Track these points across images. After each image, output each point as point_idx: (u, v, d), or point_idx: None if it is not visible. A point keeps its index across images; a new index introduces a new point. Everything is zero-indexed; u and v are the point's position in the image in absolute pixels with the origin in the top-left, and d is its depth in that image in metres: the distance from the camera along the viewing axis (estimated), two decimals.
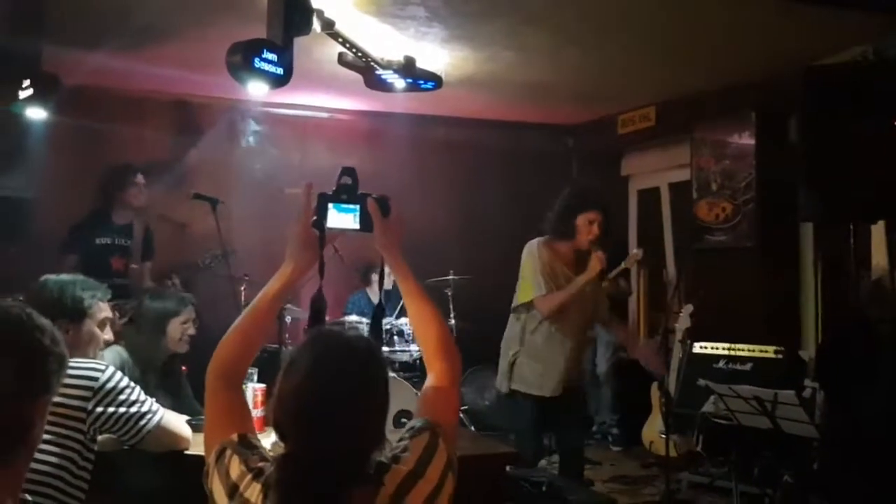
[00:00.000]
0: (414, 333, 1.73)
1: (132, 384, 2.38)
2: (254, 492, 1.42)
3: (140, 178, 4.78)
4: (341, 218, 1.71)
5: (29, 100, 3.50)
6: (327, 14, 3.93)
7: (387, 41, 4.60)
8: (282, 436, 1.44)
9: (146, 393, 2.73)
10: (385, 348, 5.43)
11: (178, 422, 2.51)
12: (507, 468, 2.67)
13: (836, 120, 3.79)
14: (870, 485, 3.41)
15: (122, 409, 2.31)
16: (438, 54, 4.88)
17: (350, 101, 6.17)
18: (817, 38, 4.44)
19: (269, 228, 6.23)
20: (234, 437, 1.51)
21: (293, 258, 1.70)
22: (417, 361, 5.64)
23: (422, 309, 1.73)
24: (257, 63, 2.92)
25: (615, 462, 5.43)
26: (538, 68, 5.21)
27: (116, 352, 3.06)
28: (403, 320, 5.54)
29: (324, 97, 6.12)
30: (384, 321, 5.53)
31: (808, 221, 4.83)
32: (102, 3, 3.84)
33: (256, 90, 3.17)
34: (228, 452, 1.48)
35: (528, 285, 3.74)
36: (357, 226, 1.70)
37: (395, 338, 5.43)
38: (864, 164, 3.72)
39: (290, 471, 1.40)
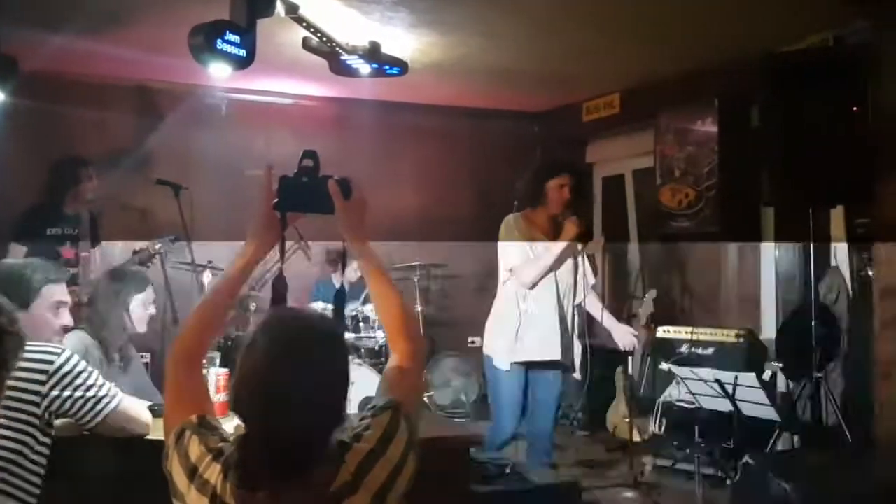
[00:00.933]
0: (377, 314, 1.72)
1: (89, 368, 2.34)
2: (213, 472, 1.41)
3: (91, 171, 4.73)
4: (303, 200, 1.71)
5: None
6: None
7: (352, 26, 4.56)
8: (242, 417, 1.43)
9: (110, 376, 2.70)
10: (350, 335, 5.42)
11: (136, 406, 2.47)
12: (471, 450, 2.67)
13: (796, 106, 3.86)
14: (829, 463, 3.49)
15: (78, 393, 2.27)
16: (405, 40, 4.85)
17: (316, 86, 6.12)
18: (780, 25, 4.48)
19: (233, 215, 6.17)
20: (194, 418, 1.50)
21: (254, 240, 1.70)
22: (383, 348, 5.64)
23: (383, 289, 1.73)
24: (220, 45, 2.88)
25: (580, 447, 5.48)
26: (505, 54, 5.21)
27: (78, 337, 3.02)
28: (369, 307, 5.52)
29: (289, 82, 6.06)
30: (350, 308, 5.52)
31: (770, 206, 4.89)
32: None
33: (219, 72, 3.13)
34: (188, 434, 1.48)
35: (509, 255, 3.80)
36: (318, 207, 1.70)
37: (361, 324, 5.42)
38: (824, 149, 3.80)
39: (250, 450, 1.40)
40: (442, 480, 2.37)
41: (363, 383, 5.18)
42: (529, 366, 3.82)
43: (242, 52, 2.98)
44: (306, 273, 6.08)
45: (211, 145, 6.17)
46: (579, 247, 3.82)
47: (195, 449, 1.45)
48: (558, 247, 3.71)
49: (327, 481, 1.39)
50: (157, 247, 4.63)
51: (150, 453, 2.37)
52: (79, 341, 2.97)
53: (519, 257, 3.77)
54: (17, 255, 4.35)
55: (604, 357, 5.64)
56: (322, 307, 5.48)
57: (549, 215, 3.82)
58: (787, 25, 4.49)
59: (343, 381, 1.47)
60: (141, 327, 3.09)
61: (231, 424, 1.75)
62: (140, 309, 3.06)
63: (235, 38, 2.93)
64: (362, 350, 5.57)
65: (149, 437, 2.48)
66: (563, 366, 3.89)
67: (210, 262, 5.44)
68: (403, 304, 1.73)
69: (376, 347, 5.58)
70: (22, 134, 5.20)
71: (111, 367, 3.01)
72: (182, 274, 5.13)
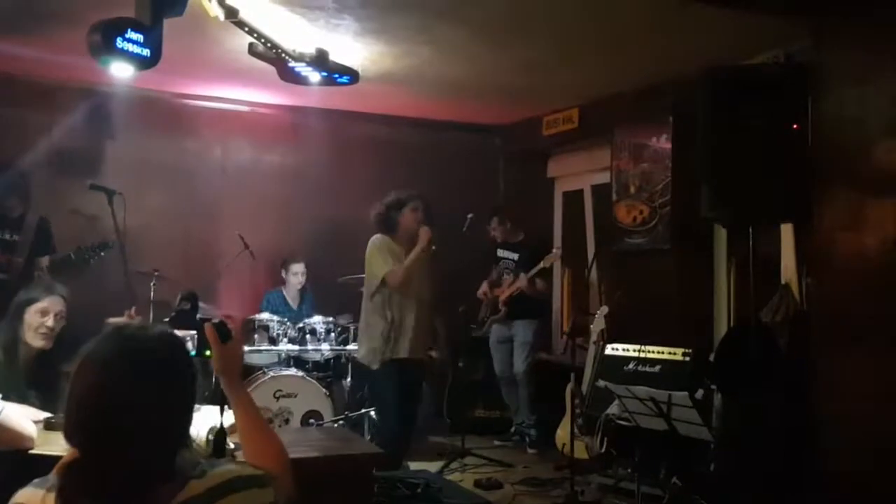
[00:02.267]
0: (248, 455, 1.64)
1: None
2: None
3: (22, 181, 4.65)
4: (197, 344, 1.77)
5: None
6: (230, 1, 3.83)
7: (298, 33, 4.51)
8: (69, 438, 1.35)
9: (11, 388, 2.60)
10: (296, 347, 5.34)
11: (19, 419, 2.38)
12: (374, 470, 2.58)
13: (740, 121, 3.81)
14: (759, 486, 3.42)
15: None
16: (353, 48, 4.81)
17: (269, 94, 6.05)
18: (733, 41, 4.46)
19: (183, 223, 6.11)
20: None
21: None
22: (330, 361, 5.56)
23: (262, 442, 1.66)
24: (120, 43, 2.79)
25: (529, 464, 5.40)
26: (455, 65, 5.17)
27: None
28: (317, 318, 5.46)
29: (241, 89, 6.00)
30: (298, 322, 5.46)
31: (712, 223, 4.85)
32: None
33: (120, 72, 3.04)
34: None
35: (378, 268, 4.44)
36: (200, 349, 1.74)
37: (308, 336, 5.34)
38: (768, 166, 3.75)
39: (75, 477, 1.33)
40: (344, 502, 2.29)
41: (307, 396, 5.14)
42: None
43: (146, 52, 2.90)
44: (253, 282, 6.01)
45: (162, 151, 6.10)
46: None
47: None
48: (416, 251, 4.43)
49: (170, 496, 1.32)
50: (83, 253, 4.59)
51: (36, 467, 2.31)
52: None
53: (385, 268, 4.42)
54: None
55: (556, 373, 5.61)
56: (267, 318, 5.42)
57: (406, 235, 4.55)
58: (742, 41, 4.47)
59: (184, 403, 1.41)
60: (35, 340, 2.92)
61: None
62: (36, 320, 2.92)
63: (138, 37, 2.84)
64: (309, 363, 5.48)
65: (34, 450, 2.39)
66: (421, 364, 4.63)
67: (157, 270, 5.34)
68: (283, 456, 1.64)
69: (322, 360, 5.50)
70: None
71: (16, 377, 2.90)
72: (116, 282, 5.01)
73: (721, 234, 5.20)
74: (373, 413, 5.10)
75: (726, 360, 3.80)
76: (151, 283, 5.28)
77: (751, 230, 3.91)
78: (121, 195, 4.27)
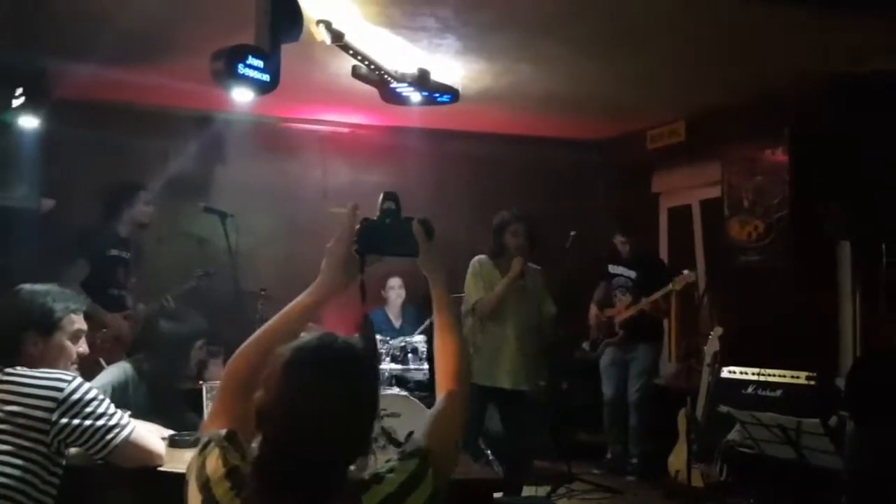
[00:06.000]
0: (435, 361, 1.71)
1: (100, 396, 2.29)
2: (222, 489, 1.38)
3: (148, 197, 4.80)
4: (385, 242, 1.72)
5: (21, 108, 3.50)
6: (336, 26, 3.88)
7: (401, 54, 4.53)
8: (264, 434, 1.38)
9: (155, 415, 2.64)
10: (399, 366, 5.31)
11: (149, 437, 2.41)
12: (495, 496, 2.51)
13: (872, 132, 3.58)
14: None
15: (87, 422, 2.22)
16: (454, 67, 4.79)
17: (369, 115, 6.11)
18: (855, 49, 4.21)
19: (287, 244, 6.21)
20: (223, 431, 1.47)
21: (328, 278, 1.68)
22: (431, 381, 5.50)
23: (448, 341, 1.71)
24: (241, 69, 2.87)
25: (637, 491, 5.18)
26: (557, 81, 5.08)
27: (122, 368, 3.00)
28: (418, 337, 5.41)
29: (343, 111, 6.08)
30: (398, 340, 5.44)
31: (836, 238, 4.58)
32: (109, 18, 3.82)
33: (241, 97, 3.11)
34: (212, 445, 1.45)
35: (470, 293, 4.46)
36: (402, 250, 1.72)
37: (410, 355, 5.30)
38: None
39: (266, 472, 1.36)
40: None
41: (410, 416, 5.07)
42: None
43: (266, 77, 2.97)
44: (355, 303, 6.02)
45: (266, 173, 6.24)
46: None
47: (213, 461, 1.41)
48: (504, 282, 4.42)
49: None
50: (192, 283, 4.70)
51: (165, 485, 2.34)
52: (121, 372, 2.96)
53: (476, 295, 4.44)
54: (81, 270, 4.43)
55: (668, 399, 5.37)
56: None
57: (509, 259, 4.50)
58: (864, 48, 4.20)
59: (369, 412, 1.43)
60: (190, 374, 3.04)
61: None
62: (198, 355, 3.04)
63: (258, 63, 2.92)
64: (411, 382, 5.45)
65: (162, 468, 2.42)
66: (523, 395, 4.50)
67: (263, 290, 5.44)
68: (460, 349, 1.70)
69: (425, 379, 5.45)
70: (81, 162, 5.36)
71: (157, 406, 2.95)
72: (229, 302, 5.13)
73: (844, 251, 4.90)
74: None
75: (861, 387, 3.53)
76: (259, 304, 5.39)
77: (883, 247, 3.65)
78: (233, 217, 4.36)
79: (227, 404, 1.58)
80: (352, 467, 1.41)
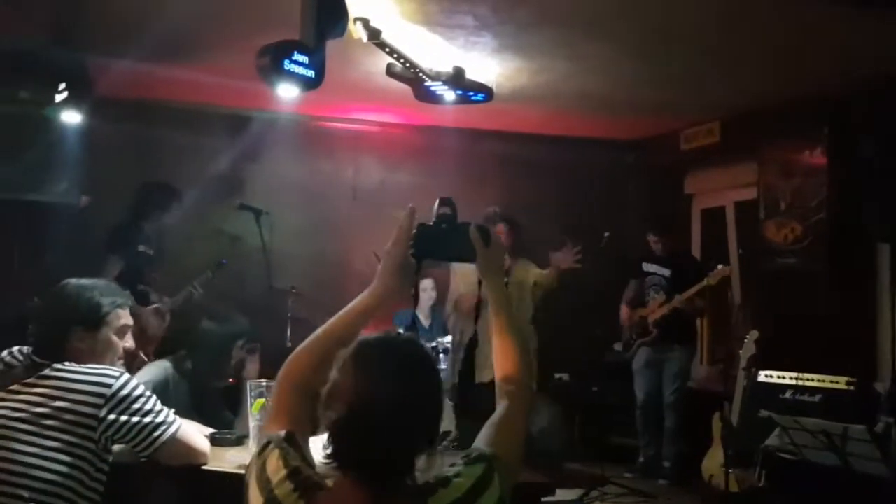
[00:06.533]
0: (494, 362, 1.72)
1: (147, 393, 2.28)
2: (284, 490, 1.38)
3: (179, 198, 4.87)
4: (442, 247, 1.76)
5: (64, 104, 3.52)
6: (373, 23, 3.86)
7: (436, 52, 4.50)
8: (332, 433, 1.38)
9: (194, 414, 2.62)
10: None
11: (195, 435, 2.40)
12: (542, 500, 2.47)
13: None
14: None
15: (135, 419, 2.21)
16: (489, 65, 4.75)
17: (401, 114, 6.10)
18: (891, 49, 4.13)
19: (316, 242, 6.21)
20: (283, 433, 1.48)
21: (384, 282, 1.69)
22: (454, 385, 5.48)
23: (506, 344, 1.71)
24: (287, 65, 2.87)
25: (671, 496, 5.12)
26: (593, 80, 5.03)
27: (162, 367, 2.99)
28: (447, 338, 5.40)
29: (375, 110, 6.07)
30: (431, 340, 5.43)
31: (879, 241, 4.50)
32: (150, 16, 3.83)
33: (287, 93, 3.11)
34: (271, 446, 1.45)
35: (452, 290, 4.83)
36: (459, 255, 1.74)
37: (441, 356, 5.29)
38: None
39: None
40: None
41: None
42: None
43: (311, 73, 2.96)
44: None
45: (299, 171, 6.24)
46: None
47: (273, 463, 1.42)
48: None
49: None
50: (192, 289, 4.75)
51: (209, 483, 2.33)
52: (161, 370, 2.95)
53: None
54: (114, 266, 4.49)
55: (699, 402, 5.30)
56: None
57: None
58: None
59: (436, 407, 1.44)
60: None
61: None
62: (239, 354, 3.04)
63: (303, 59, 2.92)
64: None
65: (207, 466, 2.41)
66: None
67: (294, 287, 5.45)
68: (521, 352, 1.70)
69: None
70: (117, 157, 5.39)
71: (196, 404, 2.95)
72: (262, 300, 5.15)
73: (884, 253, 4.81)
74: None
75: None
76: (290, 301, 5.40)
77: None
78: (268, 214, 4.37)
79: (284, 406, 1.58)
80: (418, 469, 1.40)
